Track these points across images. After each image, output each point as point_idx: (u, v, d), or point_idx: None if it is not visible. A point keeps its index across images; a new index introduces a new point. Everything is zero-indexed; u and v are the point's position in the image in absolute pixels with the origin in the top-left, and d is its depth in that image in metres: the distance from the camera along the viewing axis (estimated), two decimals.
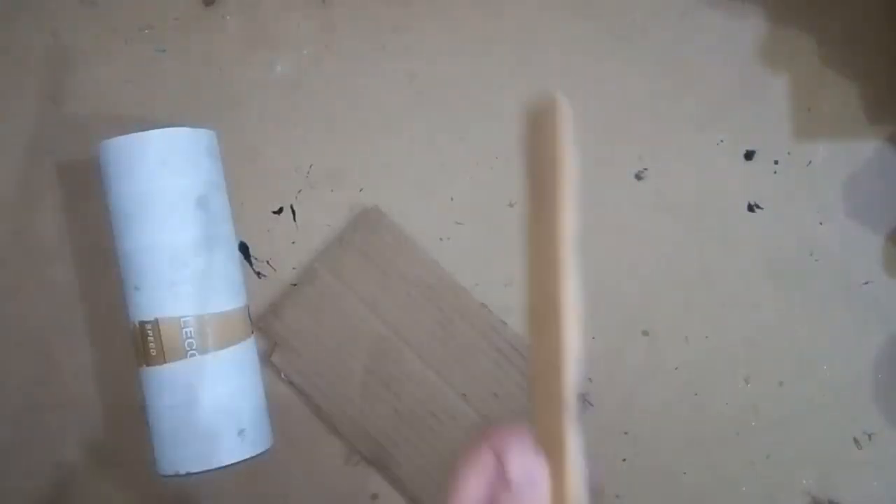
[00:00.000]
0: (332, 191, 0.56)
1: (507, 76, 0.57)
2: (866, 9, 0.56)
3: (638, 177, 0.56)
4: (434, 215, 0.56)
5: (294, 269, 0.56)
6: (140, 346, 0.47)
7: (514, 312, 0.55)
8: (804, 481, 0.55)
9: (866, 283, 0.56)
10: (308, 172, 0.56)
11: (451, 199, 0.56)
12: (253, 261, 0.56)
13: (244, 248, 0.55)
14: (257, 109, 0.56)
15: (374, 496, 0.55)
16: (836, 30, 0.57)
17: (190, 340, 0.46)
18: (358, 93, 0.56)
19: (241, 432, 0.47)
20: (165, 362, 0.46)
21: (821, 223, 0.56)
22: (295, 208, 0.56)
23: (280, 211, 0.56)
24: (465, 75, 0.57)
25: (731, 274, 0.56)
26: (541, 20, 0.57)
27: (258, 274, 0.56)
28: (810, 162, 0.57)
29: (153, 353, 0.46)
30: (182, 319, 0.46)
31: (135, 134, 0.47)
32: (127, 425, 0.53)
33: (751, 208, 0.57)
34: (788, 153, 0.56)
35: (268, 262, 0.56)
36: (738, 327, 0.56)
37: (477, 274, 0.55)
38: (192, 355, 0.46)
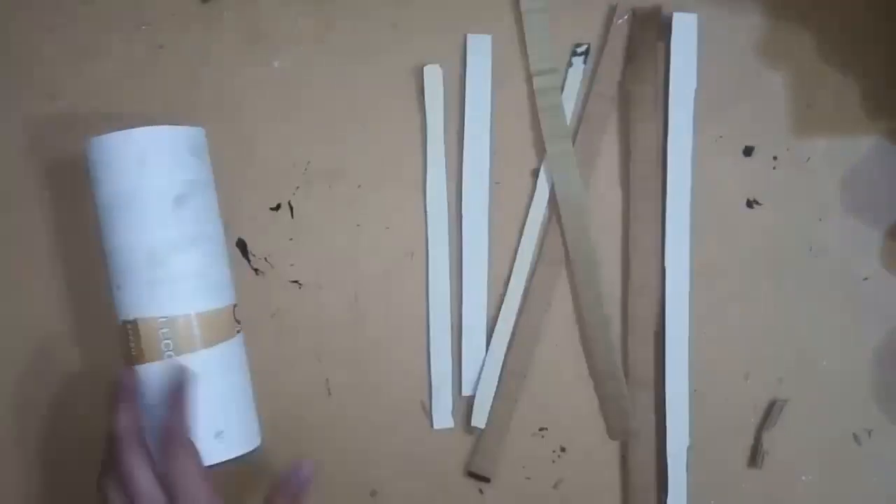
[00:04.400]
0: (329, 187, 0.56)
1: (507, 74, 0.56)
2: (865, 4, 0.56)
3: None
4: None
5: (292, 265, 0.56)
6: (123, 345, 0.47)
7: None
8: (804, 477, 0.55)
9: (866, 278, 0.56)
10: (306, 169, 0.56)
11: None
12: (251, 257, 0.55)
13: (242, 245, 0.55)
14: (255, 105, 0.56)
15: (374, 492, 0.55)
16: (835, 26, 0.56)
17: (167, 341, 0.46)
18: (356, 89, 0.56)
19: (218, 434, 0.46)
20: (144, 362, 0.46)
21: (820, 219, 0.56)
22: (293, 205, 0.56)
23: (278, 207, 0.56)
24: (463, 72, 0.56)
25: (731, 270, 0.56)
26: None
27: (256, 271, 0.55)
28: (809, 158, 0.56)
29: (134, 353, 0.46)
30: (159, 320, 0.46)
31: (116, 132, 0.46)
32: None
33: (750, 204, 0.56)
34: (787, 149, 0.56)
35: (265, 259, 0.56)
36: (738, 324, 0.56)
37: None
38: (169, 356, 0.46)
